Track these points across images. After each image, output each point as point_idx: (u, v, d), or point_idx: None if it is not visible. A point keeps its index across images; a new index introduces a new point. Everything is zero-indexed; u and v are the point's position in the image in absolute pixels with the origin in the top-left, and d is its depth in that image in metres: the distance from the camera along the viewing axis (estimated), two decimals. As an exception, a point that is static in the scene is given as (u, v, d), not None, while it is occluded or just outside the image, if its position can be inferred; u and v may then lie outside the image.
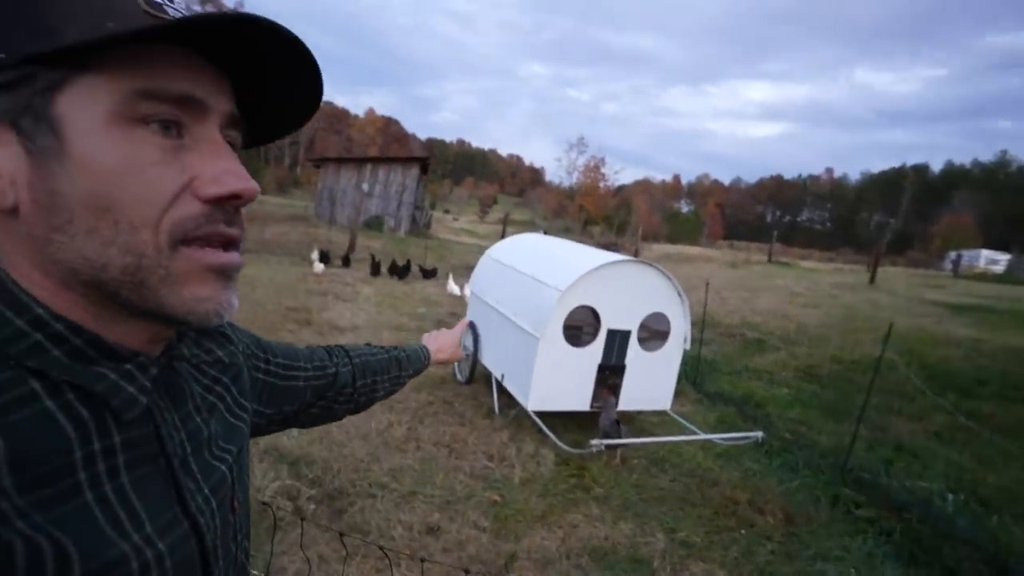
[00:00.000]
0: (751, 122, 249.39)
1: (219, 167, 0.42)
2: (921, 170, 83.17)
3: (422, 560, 1.48)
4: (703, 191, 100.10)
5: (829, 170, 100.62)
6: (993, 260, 32.78)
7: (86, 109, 0.38)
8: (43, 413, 0.38)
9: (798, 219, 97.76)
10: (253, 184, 0.43)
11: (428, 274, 11.29)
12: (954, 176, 77.20)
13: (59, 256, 0.39)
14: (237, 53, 0.42)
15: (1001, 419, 5.70)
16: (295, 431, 3.75)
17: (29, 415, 0.37)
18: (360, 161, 23.73)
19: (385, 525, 2.95)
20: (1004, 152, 78.29)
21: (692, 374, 6.35)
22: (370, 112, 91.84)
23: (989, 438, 5.05)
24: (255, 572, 0.72)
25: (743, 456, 4.42)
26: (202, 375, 0.58)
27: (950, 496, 4.08)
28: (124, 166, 0.38)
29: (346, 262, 11.64)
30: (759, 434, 4.21)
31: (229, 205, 0.43)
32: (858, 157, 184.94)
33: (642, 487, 3.78)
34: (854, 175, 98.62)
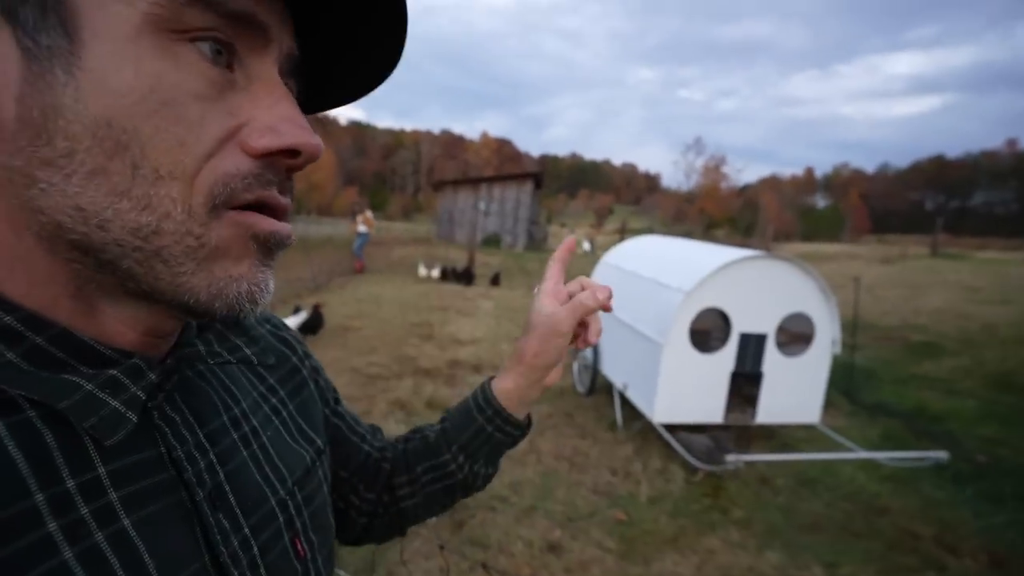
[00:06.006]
0: (897, 100, 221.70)
1: (276, 113, 0.31)
2: None
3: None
4: (842, 182, 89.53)
5: (1011, 141, 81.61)
6: None
7: (115, 6, 0.27)
8: None
9: (968, 203, 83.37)
10: (317, 139, 0.32)
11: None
12: None
13: (41, 202, 0.28)
14: None
15: None
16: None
17: None
18: (475, 182, 24.64)
19: (505, 540, 2.85)
20: None
21: (844, 383, 5.58)
22: (484, 135, 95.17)
23: None
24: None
25: (919, 481, 3.72)
26: (248, 381, 0.46)
27: None
28: (157, 90, 0.28)
29: (466, 278, 12.05)
30: (942, 455, 3.54)
31: (285, 163, 0.32)
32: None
33: (791, 512, 3.31)
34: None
